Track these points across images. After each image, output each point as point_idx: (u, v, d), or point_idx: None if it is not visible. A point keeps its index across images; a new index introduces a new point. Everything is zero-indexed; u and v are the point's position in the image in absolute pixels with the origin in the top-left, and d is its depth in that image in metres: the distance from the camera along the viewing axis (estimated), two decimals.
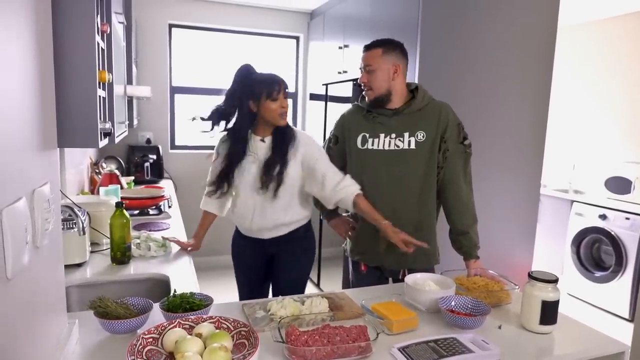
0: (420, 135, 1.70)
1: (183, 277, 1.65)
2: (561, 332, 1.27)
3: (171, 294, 1.28)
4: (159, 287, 1.66)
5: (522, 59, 2.70)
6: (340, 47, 3.44)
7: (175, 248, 1.96)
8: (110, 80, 1.35)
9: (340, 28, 3.47)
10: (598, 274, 3.58)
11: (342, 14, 3.43)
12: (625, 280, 3.35)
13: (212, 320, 1.12)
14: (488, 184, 2.70)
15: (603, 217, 3.52)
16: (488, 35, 2.61)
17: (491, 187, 2.73)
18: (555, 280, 1.25)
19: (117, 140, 1.71)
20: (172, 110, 4.09)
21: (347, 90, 3.18)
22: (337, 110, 3.53)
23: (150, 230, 2.25)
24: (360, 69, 1.75)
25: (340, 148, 1.87)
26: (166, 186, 3.59)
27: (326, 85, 3.56)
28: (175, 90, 4.08)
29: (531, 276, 1.28)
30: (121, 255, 1.75)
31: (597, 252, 3.69)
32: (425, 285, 1.43)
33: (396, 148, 1.71)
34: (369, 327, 1.14)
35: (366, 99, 1.78)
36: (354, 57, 3.22)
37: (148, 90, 2.36)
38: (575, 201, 3.80)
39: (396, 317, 1.24)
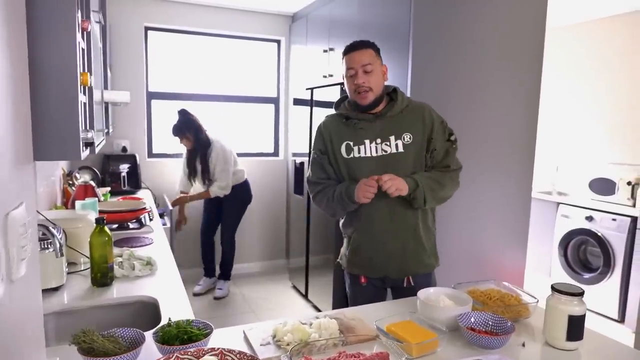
0: (407, 138, 1.66)
1: (173, 299, 1.51)
2: (588, 348, 1.20)
3: (165, 322, 1.14)
4: (147, 311, 1.51)
5: (512, 59, 2.68)
6: (325, 51, 3.35)
7: (162, 266, 1.81)
8: (91, 84, 1.21)
9: (325, 31, 3.38)
10: (586, 275, 3.59)
11: (327, 16, 3.34)
12: (613, 281, 3.37)
13: (214, 353, 0.99)
14: (479, 186, 2.65)
15: (589, 218, 3.53)
16: (479, 36, 2.57)
17: (483, 189, 2.69)
18: (581, 293, 1.18)
19: (97, 149, 1.56)
20: (149, 116, 3.91)
21: (333, 95, 3.09)
22: (324, 115, 3.43)
23: (132, 247, 2.08)
24: (350, 69, 1.64)
25: (327, 158, 1.76)
26: (144, 197, 3.41)
27: (311, 89, 3.46)
28: (152, 95, 3.90)
29: (555, 289, 1.20)
30: (102, 276, 1.59)
31: (584, 254, 3.70)
32: (439, 301, 1.34)
33: (384, 153, 1.66)
34: (390, 353, 1.04)
35: (359, 102, 1.66)
36: (340, 60, 3.12)
37: (127, 95, 2.20)
38: (561, 203, 3.81)
39: (415, 339, 1.14)
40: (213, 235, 3.86)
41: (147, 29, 3.80)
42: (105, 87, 2.71)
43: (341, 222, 1.84)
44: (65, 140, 1.00)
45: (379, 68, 1.66)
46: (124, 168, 3.55)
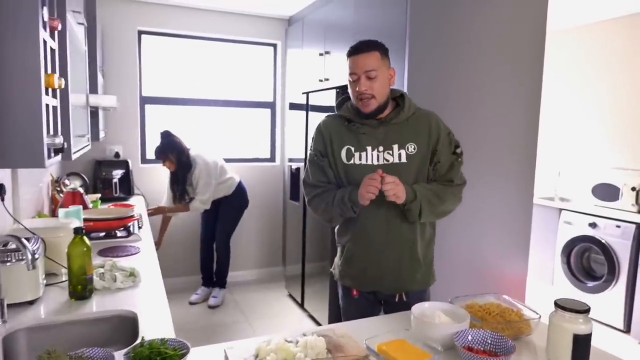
0: (411, 148, 1.56)
1: (154, 314, 1.43)
2: None
3: (138, 341, 1.06)
4: (125, 326, 1.43)
5: (512, 62, 2.60)
6: (321, 54, 3.28)
7: (146, 277, 1.73)
8: (63, 86, 1.13)
9: (321, 34, 3.32)
10: (590, 284, 3.49)
11: (323, 19, 3.27)
12: (618, 290, 3.27)
13: None
14: (479, 191, 2.57)
15: (593, 225, 3.44)
16: (477, 38, 2.50)
17: (482, 195, 2.60)
18: (587, 310, 1.09)
19: (75, 156, 1.49)
20: (143, 121, 3.84)
21: (329, 99, 3.02)
22: (320, 120, 3.36)
23: (117, 256, 2.00)
24: (353, 74, 1.53)
25: (328, 161, 1.65)
26: (137, 203, 3.33)
27: (307, 93, 3.39)
28: (145, 100, 3.83)
29: (559, 305, 1.12)
30: (81, 289, 1.51)
31: (588, 262, 3.61)
32: (434, 317, 1.25)
33: (386, 162, 1.56)
34: None
35: (361, 109, 1.56)
36: (336, 64, 3.06)
37: (114, 99, 2.13)
38: (563, 209, 3.72)
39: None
40: (212, 243, 3.80)
41: (140, 32, 3.74)
42: (95, 91, 2.64)
43: (337, 229, 1.75)
44: (26, 146, 0.92)
45: (385, 73, 1.54)
46: (117, 174, 3.48)
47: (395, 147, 1.56)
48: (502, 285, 2.80)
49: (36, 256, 1.44)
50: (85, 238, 1.52)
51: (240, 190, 3.69)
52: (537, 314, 1.27)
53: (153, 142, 3.85)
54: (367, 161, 1.58)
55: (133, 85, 3.69)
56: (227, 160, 3.72)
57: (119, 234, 2.34)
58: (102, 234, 2.31)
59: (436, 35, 2.41)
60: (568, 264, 3.66)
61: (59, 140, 1.03)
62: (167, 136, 3.37)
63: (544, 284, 3.90)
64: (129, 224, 2.38)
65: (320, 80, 3.28)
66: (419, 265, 1.62)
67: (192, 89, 4.00)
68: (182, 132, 3.91)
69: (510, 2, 2.55)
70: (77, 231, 1.51)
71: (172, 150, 3.34)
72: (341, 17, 3.00)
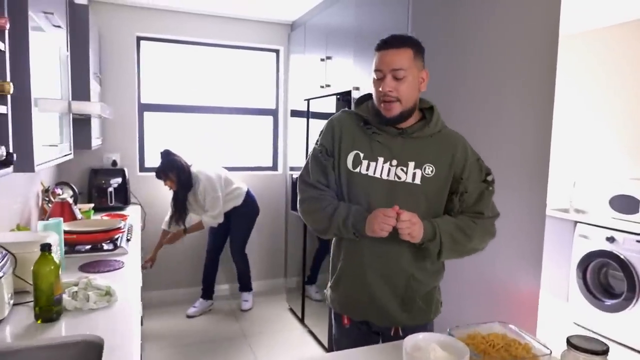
0: (429, 170, 1.36)
1: (122, 341, 1.30)
2: None
3: None
4: (92, 353, 1.31)
5: (522, 68, 2.45)
6: (322, 59, 3.16)
7: (124, 296, 1.62)
8: (11, 92, 1.02)
9: (322, 39, 3.20)
10: (608, 302, 3.28)
11: (324, 24, 3.16)
12: (639, 309, 3.06)
13: None
14: None
15: (611, 239, 3.24)
16: (485, 44, 2.35)
17: None
18: (604, 352, 0.94)
19: (40, 167, 1.38)
20: (141, 129, 3.75)
21: (330, 106, 2.90)
22: (320, 127, 3.23)
23: (98, 272, 1.89)
24: (378, 71, 1.33)
25: (332, 162, 1.45)
26: (132, 213, 3.24)
27: (308, 100, 3.28)
28: (144, 107, 3.75)
29: (572, 344, 0.96)
30: (48, 310, 1.39)
31: (606, 278, 3.40)
32: (429, 350, 1.11)
33: (396, 179, 1.36)
34: None
35: (383, 112, 1.35)
36: (337, 69, 2.94)
37: (98, 107, 2.03)
38: (579, 222, 3.53)
39: None
40: (219, 254, 3.72)
41: (139, 38, 3.66)
42: (86, 98, 2.56)
43: (333, 242, 1.57)
44: None
45: (416, 75, 1.33)
46: (114, 182, 3.39)
47: (412, 164, 1.36)
48: (513, 303, 2.63)
49: (0, 273, 1.34)
50: (53, 255, 1.41)
51: (249, 199, 3.60)
52: (548, 349, 1.12)
53: (152, 150, 3.77)
54: (375, 173, 1.37)
55: (131, 92, 3.61)
56: (229, 169, 3.62)
57: (105, 246, 2.23)
58: (88, 246, 2.20)
59: (440, 40, 2.27)
60: (584, 280, 3.45)
61: (1, 151, 0.92)
62: (166, 155, 3.31)
63: (559, 301, 3.69)
64: (116, 237, 2.28)
65: (322, 87, 3.16)
66: (416, 297, 1.42)
67: (192, 96, 3.91)
68: (183, 141, 3.85)
69: (520, 5, 2.41)
70: (44, 248, 1.39)
71: (171, 169, 3.28)
72: (342, 21, 2.89)
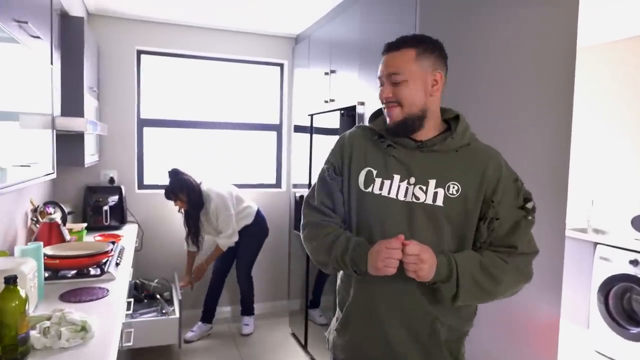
0: (453, 189, 1.15)
1: None
2: None
3: None
4: None
5: (539, 82, 2.30)
6: (326, 73, 3.04)
7: (101, 332, 1.47)
8: None
9: (327, 52, 3.08)
10: (633, 330, 3.06)
11: (328, 38, 3.04)
12: None
13: None
14: None
15: (635, 262, 3.03)
16: (498, 58, 2.20)
17: None
18: None
19: (9, 190, 1.25)
20: (141, 145, 3.64)
21: (334, 121, 2.76)
22: (324, 143, 3.13)
23: (80, 301, 1.75)
24: (379, 77, 1.20)
25: (341, 182, 1.29)
26: (127, 233, 3.11)
27: (311, 115, 3.14)
28: (144, 123, 3.64)
29: None
30: (12, 351, 1.25)
31: (629, 303, 3.18)
32: None
33: (415, 200, 1.16)
34: None
35: (387, 120, 1.21)
36: (342, 83, 2.81)
37: (83, 122, 1.91)
38: (599, 243, 3.32)
39: None
40: (226, 275, 3.57)
41: (139, 52, 3.58)
42: (79, 114, 2.46)
43: (339, 276, 1.36)
44: None
45: (420, 77, 1.16)
46: (110, 201, 3.27)
47: (432, 182, 1.15)
48: (531, 331, 2.43)
49: None
50: (20, 289, 1.27)
51: (259, 218, 3.49)
52: None
53: (152, 166, 3.66)
54: (389, 193, 1.18)
55: (130, 107, 3.51)
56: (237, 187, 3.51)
57: (92, 271, 2.09)
58: (73, 272, 2.06)
59: (451, 51, 2.11)
60: (606, 306, 3.23)
61: None
62: (175, 174, 3.20)
63: (579, 328, 3.47)
64: (104, 261, 2.13)
65: (326, 102, 3.03)
66: (440, 350, 1.19)
67: (193, 111, 3.81)
68: (184, 157, 3.74)
69: (535, 17, 2.26)
70: (8, 281, 1.25)
71: (181, 189, 3.18)
72: (347, 34, 2.76)
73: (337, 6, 3.12)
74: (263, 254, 3.82)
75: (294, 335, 3.52)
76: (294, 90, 3.84)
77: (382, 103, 1.22)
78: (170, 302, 3.18)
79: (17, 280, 1.40)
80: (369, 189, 1.20)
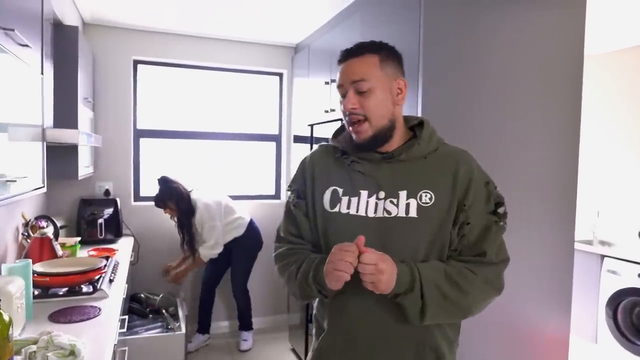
0: (427, 198, 1.07)
1: None
2: None
3: None
4: None
5: (546, 91, 2.24)
6: (326, 83, 2.98)
7: (90, 357, 1.38)
8: None
9: (327, 61, 3.03)
10: None
11: (328, 47, 2.99)
12: None
13: None
14: (512, 238, 2.15)
15: None
16: (504, 67, 2.15)
17: (516, 242, 2.18)
18: None
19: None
20: (137, 156, 3.57)
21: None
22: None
23: (70, 321, 1.66)
24: (340, 86, 1.12)
25: (305, 206, 1.21)
26: (122, 247, 3.03)
27: (311, 125, 3.08)
28: (140, 133, 3.58)
29: None
30: None
31: (638, 318, 3.10)
32: None
33: (386, 215, 1.08)
34: None
35: (354, 137, 1.12)
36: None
37: (76, 134, 1.84)
38: (606, 256, 3.25)
39: None
40: (215, 287, 3.50)
41: (136, 62, 3.52)
42: (73, 126, 2.39)
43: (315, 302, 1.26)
44: None
45: (385, 85, 1.08)
46: (105, 213, 3.19)
47: (403, 194, 1.08)
48: (541, 347, 2.35)
49: None
50: (3, 313, 1.19)
51: (252, 230, 3.39)
52: None
53: (149, 178, 3.58)
54: (357, 211, 1.09)
55: (127, 117, 3.44)
56: (229, 198, 3.42)
57: (84, 289, 2.00)
58: (65, 289, 1.98)
59: (455, 59, 2.07)
60: (614, 320, 3.15)
61: None
62: (164, 182, 3.16)
63: (586, 343, 3.38)
64: (96, 277, 2.05)
65: (326, 111, 2.97)
66: None
67: (191, 122, 3.74)
68: (182, 168, 3.66)
69: (542, 22, 2.21)
70: None
71: (170, 197, 3.14)
72: (347, 42, 2.69)
73: (337, 15, 3.08)
74: (261, 267, 3.73)
75: (293, 350, 3.42)
76: (294, 100, 3.79)
77: (345, 116, 1.12)
78: (175, 316, 3.10)
79: (1, 302, 1.34)
80: (336, 209, 1.13)
